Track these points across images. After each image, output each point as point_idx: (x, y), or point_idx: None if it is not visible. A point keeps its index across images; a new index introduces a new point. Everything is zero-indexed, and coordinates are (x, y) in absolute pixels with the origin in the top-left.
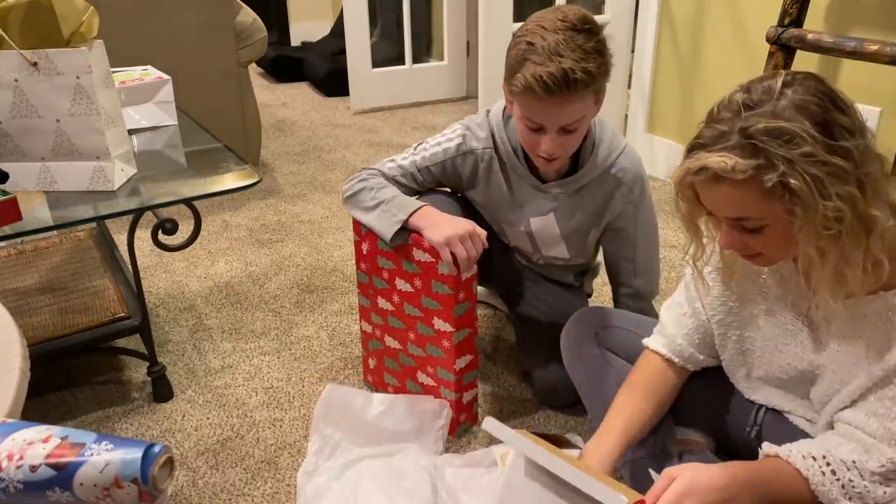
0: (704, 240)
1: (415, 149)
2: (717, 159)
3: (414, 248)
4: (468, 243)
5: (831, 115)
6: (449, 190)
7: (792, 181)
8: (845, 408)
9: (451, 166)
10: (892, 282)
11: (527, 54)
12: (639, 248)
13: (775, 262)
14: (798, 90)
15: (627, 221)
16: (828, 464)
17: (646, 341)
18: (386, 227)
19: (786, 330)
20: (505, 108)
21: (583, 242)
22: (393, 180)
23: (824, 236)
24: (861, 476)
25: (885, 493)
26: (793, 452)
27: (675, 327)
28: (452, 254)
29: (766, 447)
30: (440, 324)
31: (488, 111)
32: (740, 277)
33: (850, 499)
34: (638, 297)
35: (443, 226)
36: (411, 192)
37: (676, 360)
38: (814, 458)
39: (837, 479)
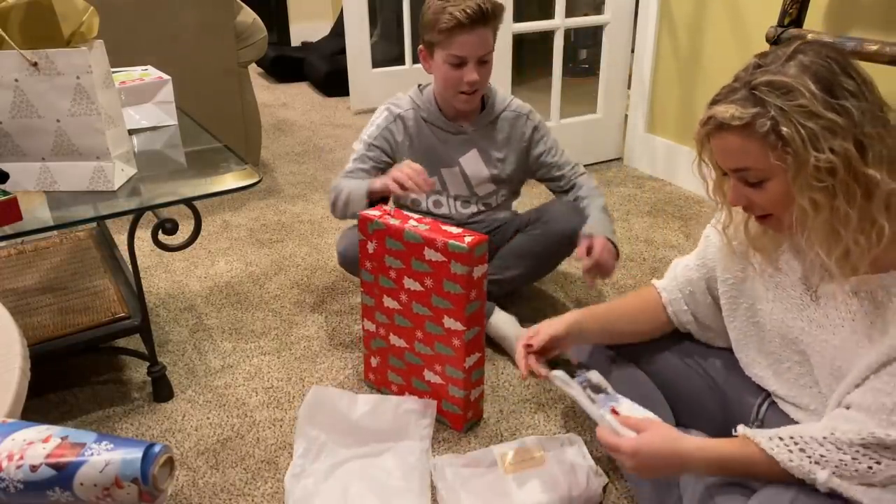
0: (732, 209)
1: (358, 142)
2: (721, 108)
3: (425, 248)
4: (406, 168)
5: (836, 77)
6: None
7: (784, 129)
8: (848, 394)
9: (388, 134)
10: None
11: (444, 4)
12: (558, 154)
13: (785, 225)
14: (809, 54)
15: (544, 140)
16: (795, 443)
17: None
18: (359, 203)
19: (794, 304)
20: (418, 85)
21: (506, 178)
22: (352, 173)
23: (817, 188)
24: (838, 449)
25: (870, 469)
26: (758, 434)
27: (675, 273)
28: (399, 184)
29: (740, 429)
30: (451, 322)
31: (401, 94)
32: (765, 250)
33: (824, 468)
34: (587, 178)
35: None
36: (368, 173)
37: (664, 294)
38: (780, 439)
39: (808, 456)
